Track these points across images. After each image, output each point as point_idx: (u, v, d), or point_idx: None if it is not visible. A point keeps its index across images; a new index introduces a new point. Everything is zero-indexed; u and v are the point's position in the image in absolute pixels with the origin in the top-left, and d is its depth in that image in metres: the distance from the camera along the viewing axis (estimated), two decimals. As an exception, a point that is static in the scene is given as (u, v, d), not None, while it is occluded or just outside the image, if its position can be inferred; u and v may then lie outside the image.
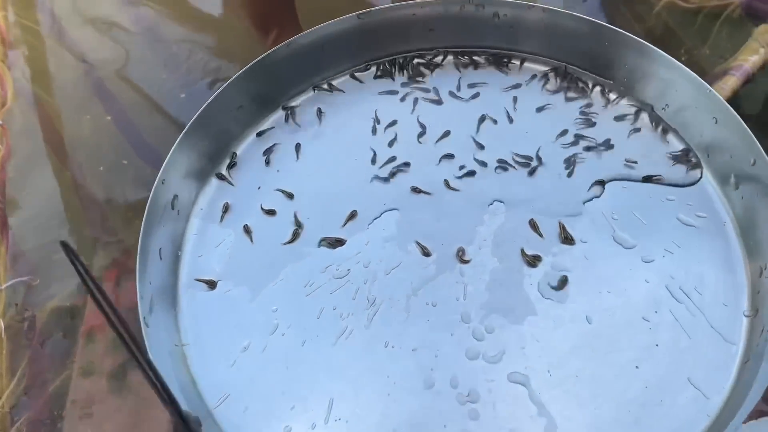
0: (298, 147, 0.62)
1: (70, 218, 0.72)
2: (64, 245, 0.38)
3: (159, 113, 0.79)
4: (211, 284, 0.54)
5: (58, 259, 0.67)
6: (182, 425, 0.40)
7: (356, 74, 0.67)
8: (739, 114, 0.53)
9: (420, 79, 0.66)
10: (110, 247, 0.68)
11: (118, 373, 0.58)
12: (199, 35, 0.89)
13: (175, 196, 0.56)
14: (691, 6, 0.80)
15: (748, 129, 0.52)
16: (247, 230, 0.57)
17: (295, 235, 0.56)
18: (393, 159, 0.60)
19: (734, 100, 0.65)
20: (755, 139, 0.52)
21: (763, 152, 0.51)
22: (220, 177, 0.60)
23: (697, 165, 0.58)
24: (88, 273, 0.39)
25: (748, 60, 0.69)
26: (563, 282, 0.52)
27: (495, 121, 0.62)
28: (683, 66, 0.57)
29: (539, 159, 0.59)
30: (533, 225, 0.55)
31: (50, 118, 0.81)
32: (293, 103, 0.65)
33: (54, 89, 0.85)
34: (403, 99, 0.65)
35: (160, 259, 0.53)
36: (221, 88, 0.59)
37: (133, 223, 0.66)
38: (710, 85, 0.56)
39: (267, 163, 0.61)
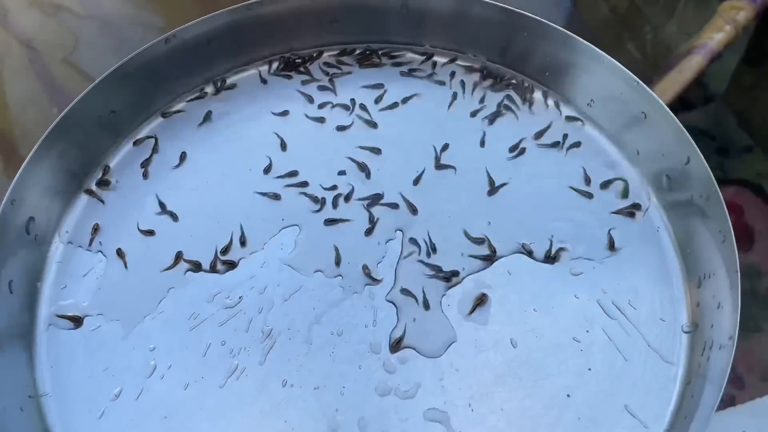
0: (182, 157, 0.54)
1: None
2: None
3: None
4: (76, 321, 0.46)
5: None
6: None
7: (250, 71, 0.60)
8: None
9: (320, 78, 0.59)
10: None
11: None
12: (152, 17, 0.83)
13: (31, 219, 0.47)
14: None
15: (681, 124, 0.47)
16: (120, 254, 0.48)
17: (177, 260, 0.48)
18: (294, 173, 0.53)
19: (701, 79, 0.61)
20: (688, 135, 0.47)
21: (697, 149, 0.46)
22: (89, 193, 0.52)
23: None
24: None
25: (713, 38, 0.65)
26: (482, 301, 0.46)
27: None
28: (608, 56, 0.52)
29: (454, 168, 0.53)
30: (445, 238, 0.49)
31: None
32: (175, 108, 0.57)
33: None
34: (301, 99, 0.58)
35: (11, 293, 0.45)
36: (88, 89, 0.50)
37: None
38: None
39: (144, 176, 0.53)
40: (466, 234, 0.49)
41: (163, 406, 0.43)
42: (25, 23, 0.84)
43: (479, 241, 0.48)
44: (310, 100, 0.57)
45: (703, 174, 0.46)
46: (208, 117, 0.56)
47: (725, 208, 0.44)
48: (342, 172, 0.52)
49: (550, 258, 0.48)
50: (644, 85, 0.50)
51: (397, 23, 0.59)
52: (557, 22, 0.54)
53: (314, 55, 0.60)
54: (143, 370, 0.44)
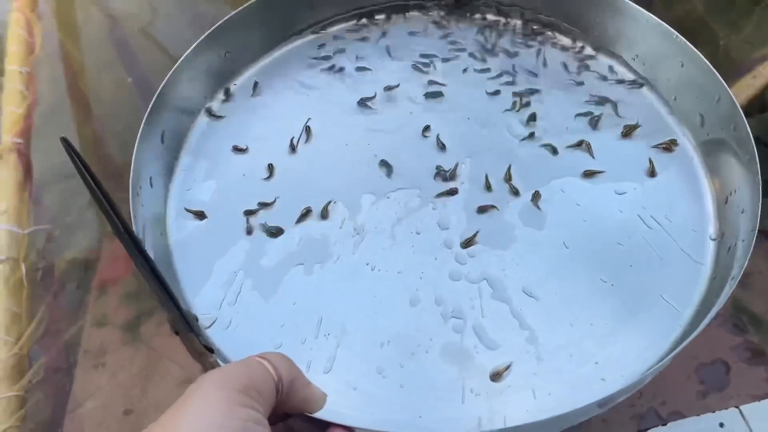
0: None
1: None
2: (65, 141, 0.40)
3: None
4: (200, 215, 0.55)
5: (77, 212, 0.68)
6: (181, 320, 0.41)
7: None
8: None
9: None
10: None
11: (131, 324, 0.59)
12: None
13: (164, 131, 0.57)
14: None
15: (713, 68, 0.56)
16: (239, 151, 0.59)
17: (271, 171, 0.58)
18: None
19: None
20: (719, 76, 0.55)
21: (728, 89, 0.54)
22: (209, 113, 0.62)
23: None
24: (88, 169, 0.40)
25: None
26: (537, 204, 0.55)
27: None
28: (650, 14, 0.61)
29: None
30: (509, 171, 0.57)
31: (75, 73, 0.82)
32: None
33: (80, 43, 0.85)
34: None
35: (151, 186, 0.54)
36: (220, 22, 0.61)
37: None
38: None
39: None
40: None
41: (272, 283, 0.51)
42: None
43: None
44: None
45: (732, 108, 0.54)
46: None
47: (750, 132, 0.51)
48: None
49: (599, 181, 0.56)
50: (683, 39, 0.58)
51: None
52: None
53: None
54: (255, 255, 0.53)
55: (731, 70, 0.76)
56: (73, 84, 0.80)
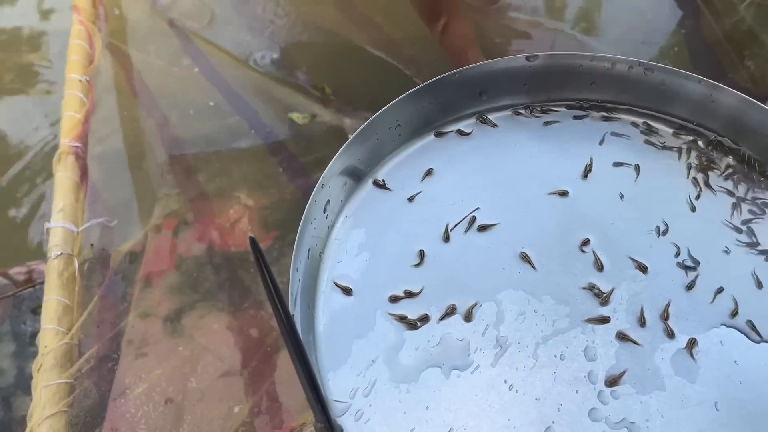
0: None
1: (145, 168, 0.79)
2: (252, 241, 0.41)
3: (245, 67, 0.84)
4: (347, 291, 0.56)
5: (130, 206, 0.71)
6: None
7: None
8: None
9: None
10: (172, 199, 0.71)
11: (173, 317, 0.60)
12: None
13: (328, 201, 0.58)
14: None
15: None
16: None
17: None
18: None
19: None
20: None
21: None
22: (375, 184, 0.63)
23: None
24: (268, 269, 0.41)
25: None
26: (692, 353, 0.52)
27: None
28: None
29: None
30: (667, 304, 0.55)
31: (137, 72, 0.87)
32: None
33: (141, 46, 0.91)
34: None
35: (308, 258, 0.55)
36: (385, 108, 0.61)
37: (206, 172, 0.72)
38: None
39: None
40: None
41: (408, 380, 0.51)
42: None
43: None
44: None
45: None
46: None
47: None
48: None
49: (763, 340, 0.53)
50: None
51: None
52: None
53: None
54: (395, 346, 0.53)
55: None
56: (135, 83, 0.84)
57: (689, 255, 0.57)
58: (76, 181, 0.76)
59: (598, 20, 1.02)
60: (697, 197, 0.61)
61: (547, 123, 0.67)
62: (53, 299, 0.65)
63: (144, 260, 0.66)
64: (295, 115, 0.86)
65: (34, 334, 0.63)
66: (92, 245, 0.69)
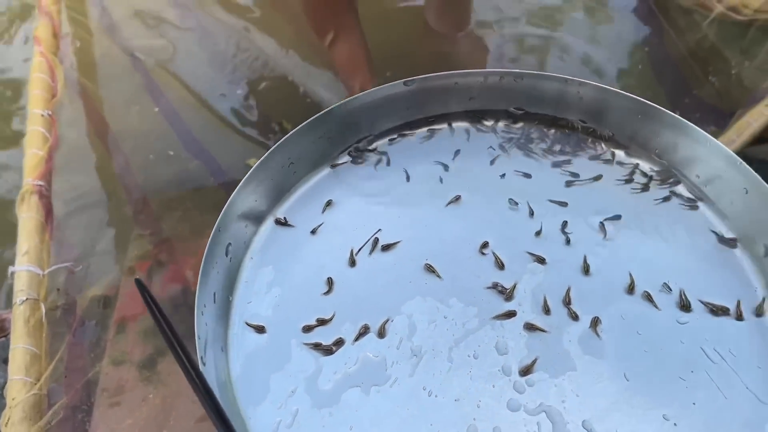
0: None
1: (112, 209, 0.77)
2: (138, 282, 0.41)
3: (205, 108, 0.83)
4: (260, 329, 0.56)
5: (99, 249, 0.69)
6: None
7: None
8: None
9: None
10: (144, 240, 0.70)
11: (147, 363, 0.59)
12: (246, 33, 0.94)
13: (229, 243, 0.59)
14: (743, 19, 0.81)
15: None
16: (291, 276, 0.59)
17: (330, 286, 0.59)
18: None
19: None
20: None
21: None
22: (277, 222, 0.64)
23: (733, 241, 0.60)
24: (159, 308, 0.41)
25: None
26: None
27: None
28: (715, 140, 0.60)
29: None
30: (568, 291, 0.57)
31: (98, 109, 0.85)
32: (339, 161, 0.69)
33: (102, 81, 0.89)
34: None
35: (214, 302, 0.56)
36: (273, 149, 0.63)
37: (171, 215, 0.70)
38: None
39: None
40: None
41: (329, 404, 0.52)
42: (129, 33, 0.95)
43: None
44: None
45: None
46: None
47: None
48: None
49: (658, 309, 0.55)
50: (746, 166, 0.58)
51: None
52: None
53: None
54: (313, 374, 0.53)
55: (744, 97, 0.75)
56: (96, 121, 0.83)
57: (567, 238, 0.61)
58: (40, 221, 0.72)
59: (565, 41, 1.04)
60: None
61: (425, 138, 0.71)
62: (20, 348, 0.62)
63: (117, 305, 0.64)
64: (252, 161, 0.85)
65: (4, 386, 0.60)
66: (58, 290, 0.67)
